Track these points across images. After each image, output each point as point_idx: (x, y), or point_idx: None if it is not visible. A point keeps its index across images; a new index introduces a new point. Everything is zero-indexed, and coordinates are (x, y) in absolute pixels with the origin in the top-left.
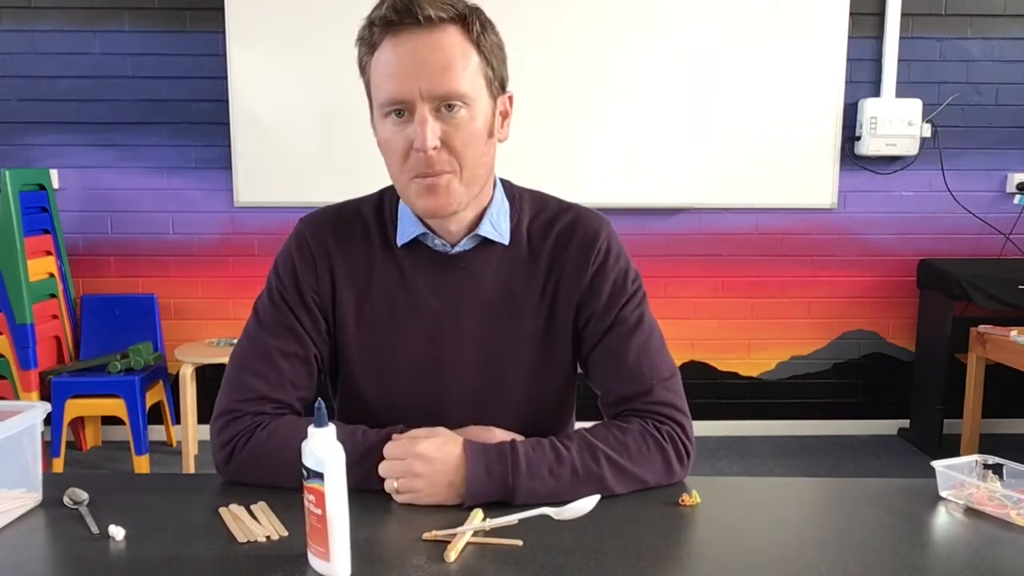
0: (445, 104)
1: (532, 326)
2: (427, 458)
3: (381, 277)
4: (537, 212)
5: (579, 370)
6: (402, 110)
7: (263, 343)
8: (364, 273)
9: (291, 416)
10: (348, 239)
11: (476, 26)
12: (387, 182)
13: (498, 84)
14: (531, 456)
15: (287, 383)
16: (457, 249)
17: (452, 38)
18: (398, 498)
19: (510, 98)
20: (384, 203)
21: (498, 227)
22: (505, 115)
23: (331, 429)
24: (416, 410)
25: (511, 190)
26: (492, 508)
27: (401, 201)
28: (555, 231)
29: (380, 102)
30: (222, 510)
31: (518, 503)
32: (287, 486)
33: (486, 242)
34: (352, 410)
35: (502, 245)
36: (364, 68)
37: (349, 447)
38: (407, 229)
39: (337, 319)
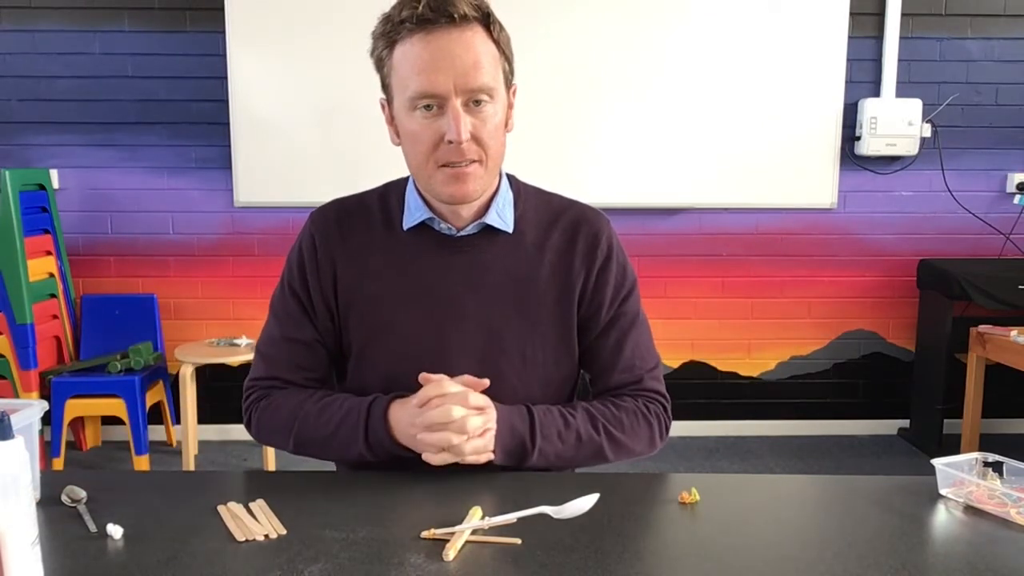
0: (473, 99)
1: (535, 313)
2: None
3: (384, 260)
4: (540, 206)
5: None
6: (431, 104)
7: (273, 329)
8: (366, 257)
9: (289, 390)
10: (351, 227)
11: (496, 26)
12: (387, 179)
13: (510, 75)
14: (544, 420)
15: (293, 366)
16: (462, 233)
17: (479, 36)
18: (435, 459)
19: (514, 90)
20: (389, 193)
21: (503, 216)
22: (511, 106)
23: (15, 442)
24: (418, 390)
25: (515, 184)
26: (490, 506)
27: (408, 188)
28: (560, 225)
29: (410, 95)
30: (221, 508)
31: (528, 463)
32: (285, 449)
33: (490, 229)
34: (357, 392)
35: (506, 234)
36: (381, 62)
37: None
38: (414, 213)
39: (341, 305)
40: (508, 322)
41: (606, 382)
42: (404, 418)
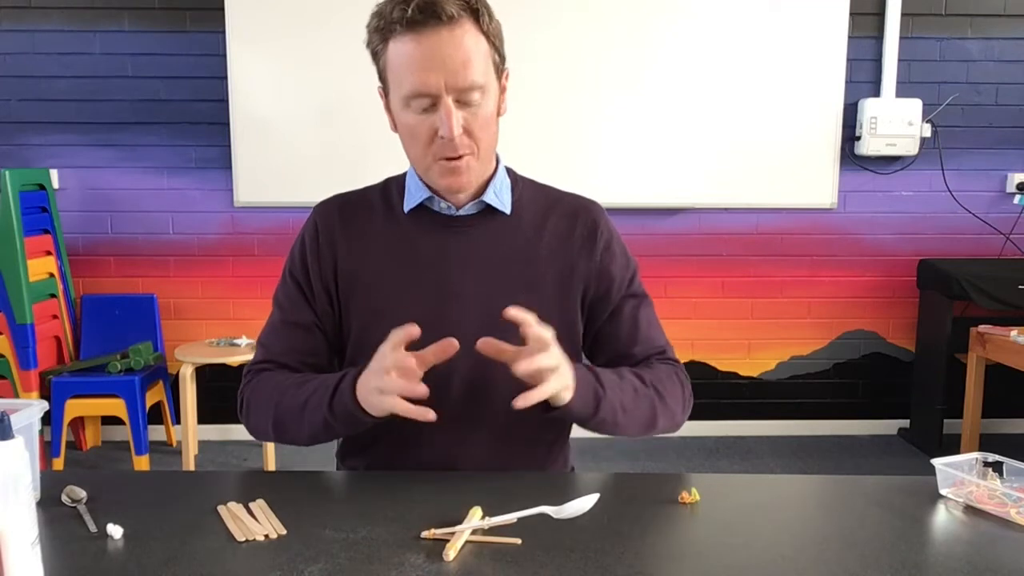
0: (464, 96)
1: (534, 293)
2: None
3: (384, 244)
4: (537, 193)
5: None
6: (424, 102)
7: (274, 318)
8: (367, 242)
9: (279, 372)
10: (352, 215)
11: (485, 16)
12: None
13: (501, 64)
14: (599, 370)
15: (289, 349)
16: (461, 212)
17: (468, 32)
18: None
19: (506, 75)
20: (390, 185)
21: (501, 197)
22: (504, 90)
23: (15, 442)
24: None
25: (512, 173)
26: (491, 507)
27: (408, 174)
28: (557, 212)
29: (404, 94)
30: (221, 509)
31: (600, 416)
32: (267, 435)
33: (489, 210)
34: None
35: (504, 214)
36: (377, 55)
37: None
38: (414, 195)
39: (341, 288)
40: (507, 302)
41: (629, 357)
42: (369, 377)
